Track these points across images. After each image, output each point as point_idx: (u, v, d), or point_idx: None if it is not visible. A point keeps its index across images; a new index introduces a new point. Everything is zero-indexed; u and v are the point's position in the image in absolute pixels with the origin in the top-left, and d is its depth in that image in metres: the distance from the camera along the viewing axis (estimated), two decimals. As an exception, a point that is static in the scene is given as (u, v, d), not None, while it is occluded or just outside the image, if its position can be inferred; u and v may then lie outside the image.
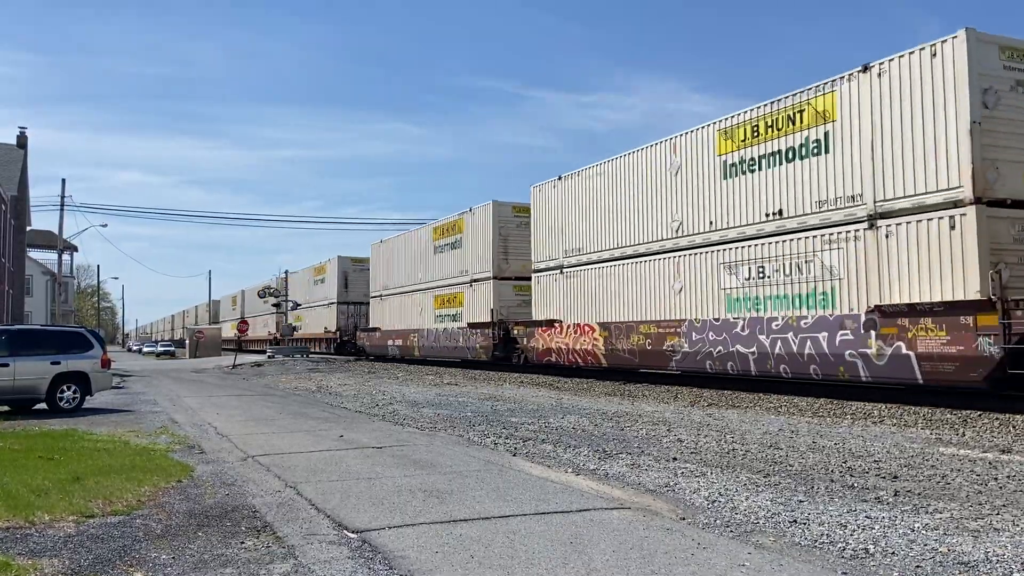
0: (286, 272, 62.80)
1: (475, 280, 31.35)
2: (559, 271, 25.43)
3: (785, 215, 17.11)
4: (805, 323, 16.30)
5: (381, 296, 41.72)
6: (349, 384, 24.51)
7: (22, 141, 42.96)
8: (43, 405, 16.36)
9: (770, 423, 12.85)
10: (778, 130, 17.42)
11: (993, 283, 13.17)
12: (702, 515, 6.40)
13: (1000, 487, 7.44)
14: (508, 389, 21.46)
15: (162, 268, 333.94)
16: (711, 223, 19.17)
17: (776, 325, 17.00)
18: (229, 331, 78.56)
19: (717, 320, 18.71)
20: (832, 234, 15.93)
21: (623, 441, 10.79)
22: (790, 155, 17.11)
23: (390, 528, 5.97)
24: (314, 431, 12.22)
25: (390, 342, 39.60)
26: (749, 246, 18.02)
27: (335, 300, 48.94)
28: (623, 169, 22.59)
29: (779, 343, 16.89)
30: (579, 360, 24.01)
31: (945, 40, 14.21)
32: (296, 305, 59.02)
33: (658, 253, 20.87)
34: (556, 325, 25.09)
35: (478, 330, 30.45)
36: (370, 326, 43.65)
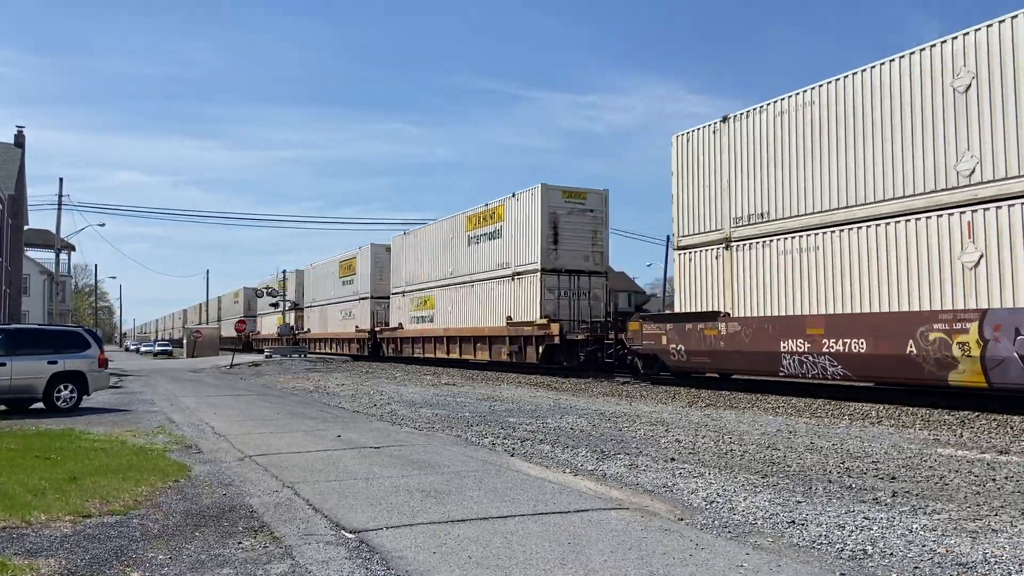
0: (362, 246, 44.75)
1: None
2: None
3: None
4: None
5: (767, 237, 18.54)
6: (347, 384, 24.49)
7: (20, 140, 42.90)
8: (40, 404, 16.34)
9: (768, 424, 12.85)
10: None
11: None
12: (700, 516, 6.39)
13: (998, 488, 7.44)
14: (506, 389, 21.45)
15: (160, 268, 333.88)
16: None
17: None
18: (267, 326, 63.70)
19: None
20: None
21: (621, 441, 10.79)
22: None
23: (388, 528, 5.95)
24: (312, 431, 12.20)
25: (810, 350, 16.67)
26: None
27: (537, 267, 27.45)
28: None
29: None
30: None
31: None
32: (294, 305, 58.58)
33: None
34: None
35: None
36: (701, 310, 20.46)
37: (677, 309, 21.34)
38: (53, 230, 49.14)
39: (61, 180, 45.29)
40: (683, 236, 21.36)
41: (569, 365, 26.45)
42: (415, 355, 37.75)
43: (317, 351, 52.09)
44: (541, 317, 27.02)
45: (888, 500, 6.91)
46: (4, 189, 36.14)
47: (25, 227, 46.83)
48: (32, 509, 6.58)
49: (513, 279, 29.19)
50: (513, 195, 29.40)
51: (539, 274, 27.50)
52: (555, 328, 26.22)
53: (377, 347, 42.47)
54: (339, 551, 5.39)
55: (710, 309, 20.05)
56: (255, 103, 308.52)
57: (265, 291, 61.94)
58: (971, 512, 6.41)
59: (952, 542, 5.49)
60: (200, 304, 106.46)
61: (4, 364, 15.51)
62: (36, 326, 20.07)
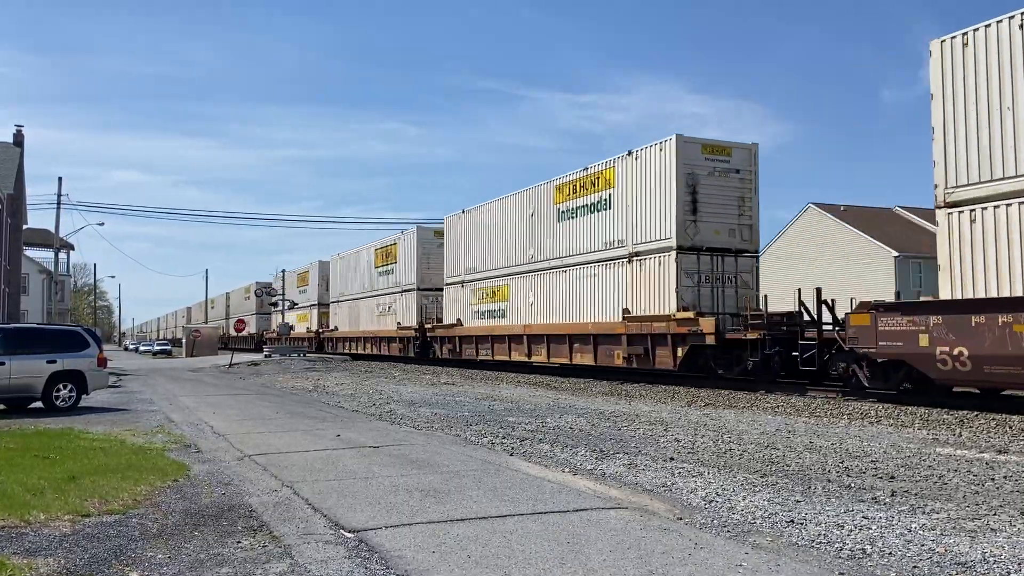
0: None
1: None
2: None
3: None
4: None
5: None
6: (346, 383, 24.48)
7: (19, 139, 42.83)
8: (39, 404, 16.33)
9: (767, 423, 12.85)
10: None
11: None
12: (699, 515, 6.39)
13: (997, 487, 7.45)
14: (505, 389, 21.45)
15: (160, 267, 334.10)
16: None
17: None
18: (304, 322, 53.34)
19: None
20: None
21: (620, 441, 10.79)
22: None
23: (387, 528, 5.96)
24: (311, 430, 12.20)
25: None
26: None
27: (671, 244, 21.38)
28: None
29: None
30: None
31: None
32: (293, 304, 58.41)
33: None
34: None
35: None
36: None
37: (946, 293, 14.63)
38: (52, 229, 49.16)
39: (60, 179, 45.53)
40: (957, 187, 14.55)
41: (729, 374, 20.04)
42: (480, 357, 31.63)
43: (346, 351, 46.99)
44: (678, 309, 20.83)
45: (887, 499, 6.92)
46: (3, 188, 36.11)
47: (24, 226, 46.80)
48: (31, 508, 6.58)
49: (630, 261, 22.67)
50: (629, 153, 22.96)
51: (674, 254, 21.00)
52: (707, 324, 19.75)
53: (427, 347, 36.73)
54: (338, 550, 5.39)
55: (1014, 294, 13.47)
56: (254, 103, 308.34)
57: (264, 291, 61.60)
58: (970, 511, 6.41)
59: (951, 541, 5.50)
60: (208, 300, 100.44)
61: (3, 363, 15.50)
62: (35, 325, 20.07)
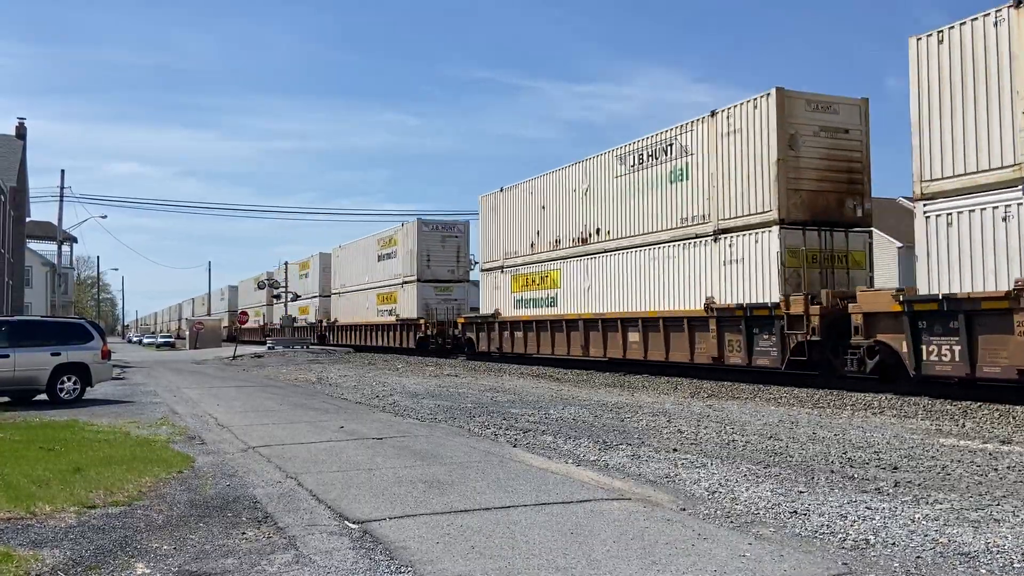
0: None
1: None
2: None
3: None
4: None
5: None
6: (349, 375, 24.52)
7: (21, 131, 42.77)
8: (43, 396, 16.37)
9: (770, 414, 12.86)
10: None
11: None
12: (702, 506, 6.40)
13: (1000, 478, 7.45)
14: (508, 380, 21.47)
15: (162, 260, 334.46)
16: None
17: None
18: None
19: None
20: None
21: (623, 432, 10.80)
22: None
23: (391, 519, 5.97)
24: (314, 422, 12.23)
25: None
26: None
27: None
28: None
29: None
30: None
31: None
32: (295, 296, 58.34)
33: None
34: None
35: None
36: None
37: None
38: (54, 222, 49.19)
39: (63, 172, 45.43)
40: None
41: None
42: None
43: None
44: None
45: (890, 490, 6.92)
46: (6, 181, 36.11)
47: (27, 219, 46.81)
48: (37, 500, 6.60)
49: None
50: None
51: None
52: None
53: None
54: (342, 541, 5.41)
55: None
56: (254, 94, 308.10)
57: (267, 282, 61.47)
58: (973, 502, 6.42)
59: (954, 532, 5.50)
60: (221, 290, 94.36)
61: (7, 356, 15.55)
62: (39, 318, 20.11)
